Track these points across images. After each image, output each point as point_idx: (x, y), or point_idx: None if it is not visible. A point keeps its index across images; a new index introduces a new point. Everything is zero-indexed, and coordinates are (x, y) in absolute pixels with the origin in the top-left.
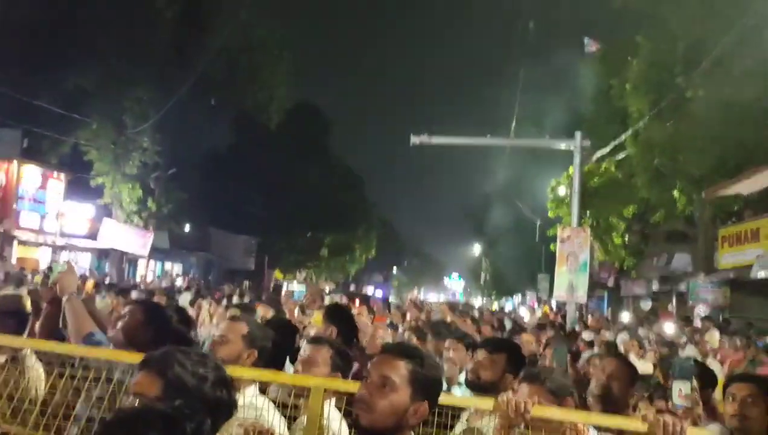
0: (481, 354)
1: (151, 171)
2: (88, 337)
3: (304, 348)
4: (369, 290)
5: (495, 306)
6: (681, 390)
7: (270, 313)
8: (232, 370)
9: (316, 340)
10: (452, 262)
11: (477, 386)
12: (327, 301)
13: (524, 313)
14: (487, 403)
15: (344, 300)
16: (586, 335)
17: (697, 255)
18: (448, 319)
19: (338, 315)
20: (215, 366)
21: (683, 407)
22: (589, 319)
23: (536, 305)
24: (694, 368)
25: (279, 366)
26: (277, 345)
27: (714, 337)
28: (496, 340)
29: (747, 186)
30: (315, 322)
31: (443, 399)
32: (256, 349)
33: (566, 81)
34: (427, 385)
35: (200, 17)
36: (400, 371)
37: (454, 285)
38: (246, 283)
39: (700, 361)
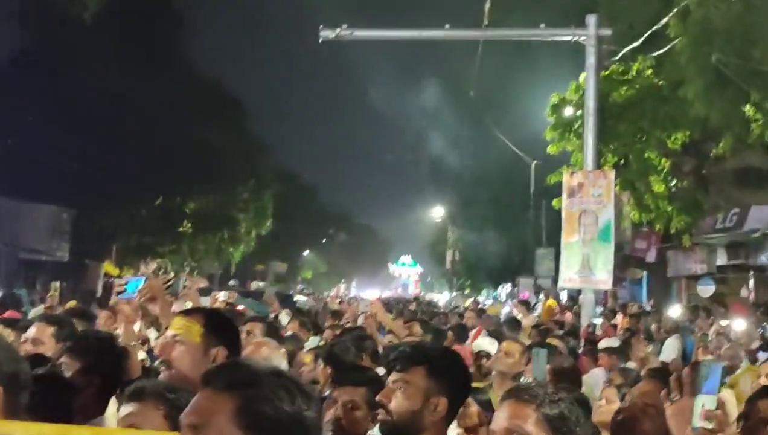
0: (390, 378)
1: None
2: None
3: (124, 407)
4: (257, 286)
5: (468, 302)
6: (704, 405)
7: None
8: None
9: (138, 395)
10: (401, 238)
11: (391, 430)
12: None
13: (516, 311)
14: None
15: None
16: (604, 343)
17: None
18: (378, 333)
19: (224, 328)
20: None
21: (699, 429)
22: (619, 319)
23: (535, 297)
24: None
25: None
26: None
27: None
28: (407, 352)
29: None
30: (179, 331)
31: None
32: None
33: None
34: (264, 428)
35: None
36: (220, 410)
37: (406, 273)
38: (55, 284)
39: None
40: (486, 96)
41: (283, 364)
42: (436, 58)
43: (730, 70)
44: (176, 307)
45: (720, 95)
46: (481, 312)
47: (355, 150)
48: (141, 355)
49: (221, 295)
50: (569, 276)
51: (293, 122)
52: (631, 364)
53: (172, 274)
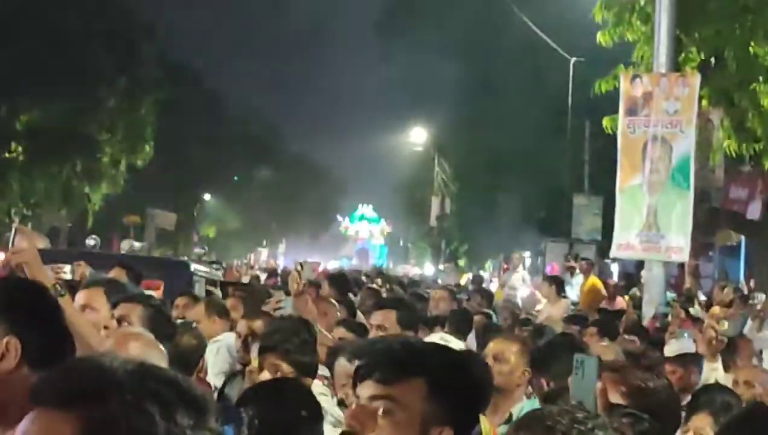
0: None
1: None
2: None
3: None
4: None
5: (463, 280)
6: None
7: None
8: None
9: None
10: (358, 177)
11: None
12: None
13: (539, 293)
14: None
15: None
16: (675, 346)
17: None
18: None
19: (19, 304)
20: None
21: None
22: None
23: (567, 273)
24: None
25: None
26: None
27: None
28: (396, 354)
29: None
30: None
31: None
32: None
33: None
34: None
35: None
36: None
37: (366, 231)
38: None
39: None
40: None
41: (163, 365)
42: None
43: None
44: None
45: None
46: (484, 294)
47: (286, 33)
48: None
49: (67, 269)
50: (628, 240)
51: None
52: (722, 377)
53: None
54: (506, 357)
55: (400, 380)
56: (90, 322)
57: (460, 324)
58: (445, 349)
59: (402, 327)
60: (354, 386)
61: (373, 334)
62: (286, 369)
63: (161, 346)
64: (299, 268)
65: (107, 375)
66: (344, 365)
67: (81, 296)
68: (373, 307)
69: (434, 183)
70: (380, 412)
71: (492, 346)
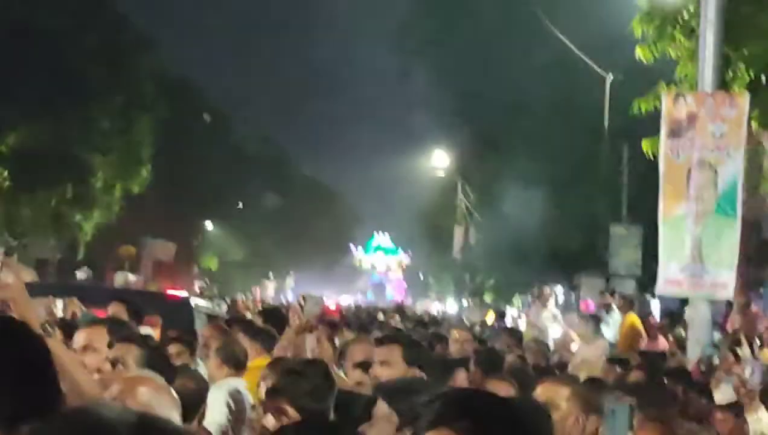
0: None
1: None
2: None
3: None
4: (132, 282)
5: (489, 317)
6: None
7: None
8: None
9: None
10: (374, 205)
11: None
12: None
13: (573, 333)
14: None
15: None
16: (727, 393)
17: None
18: None
19: None
20: None
21: None
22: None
23: (603, 310)
24: None
25: None
26: None
27: None
28: (454, 397)
29: None
30: None
31: None
32: None
33: None
34: None
35: None
36: None
37: (382, 263)
38: None
39: None
40: None
41: (174, 415)
42: None
43: None
44: None
45: None
46: (513, 334)
47: (300, 56)
48: None
49: (59, 305)
50: (673, 275)
51: (200, 7)
52: None
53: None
54: (557, 403)
55: (453, 422)
56: (82, 365)
57: (487, 365)
58: (490, 395)
59: (408, 364)
60: (422, 428)
61: (377, 371)
62: (292, 414)
63: (173, 392)
64: (302, 301)
65: (106, 431)
66: (382, 407)
67: (81, 336)
68: (375, 342)
69: (457, 211)
70: None
71: (540, 391)
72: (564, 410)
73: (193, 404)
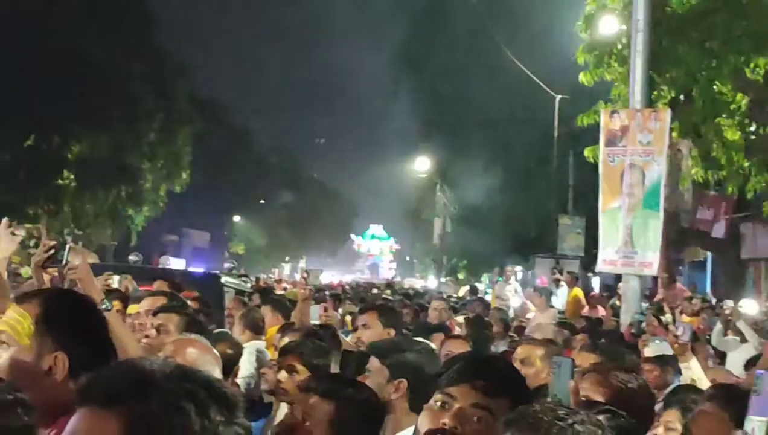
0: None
1: None
2: None
3: None
4: (173, 263)
5: (462, 291)
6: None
7: None
8: None
9: None
10: (370, 201)
11: None
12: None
13: (530, 303)
14: None
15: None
16: (655, 348)
17: None
18: None
19: (68, 321)
20: None
21: None
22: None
23: (554, 285)
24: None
25: None
26: None
27: None
28: (502, 372)
29: None
30: (4, 328)
31: None
32: None
33: None
34: None
35: None
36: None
37: (376, 248)
38: None
39: None
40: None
41: (217, 372)
42: None
43: None
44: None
45: None
46: (482, 304)
47: (306, 77)
48: None
49: (115, 279)
50: (609, 257)
51: (223, 38)
52: (697, 373)
53: (52, 243)
54: (532, 361)
55: (500, 396)
56: (131, 331)
57: (478, 332)
58: (518, 375)
59: (384, 326)
60: (442, 385)
61: (359, 333)
62: (301, 369)
63: (215, 351)
64: (305, 275)
65: (147, 376)
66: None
67: (148, 302)
68: (359, 310)
69: (436, 206)
70: (475, 419)
71: (520, 351)
72: (538, 366)
73: (230, 365)
